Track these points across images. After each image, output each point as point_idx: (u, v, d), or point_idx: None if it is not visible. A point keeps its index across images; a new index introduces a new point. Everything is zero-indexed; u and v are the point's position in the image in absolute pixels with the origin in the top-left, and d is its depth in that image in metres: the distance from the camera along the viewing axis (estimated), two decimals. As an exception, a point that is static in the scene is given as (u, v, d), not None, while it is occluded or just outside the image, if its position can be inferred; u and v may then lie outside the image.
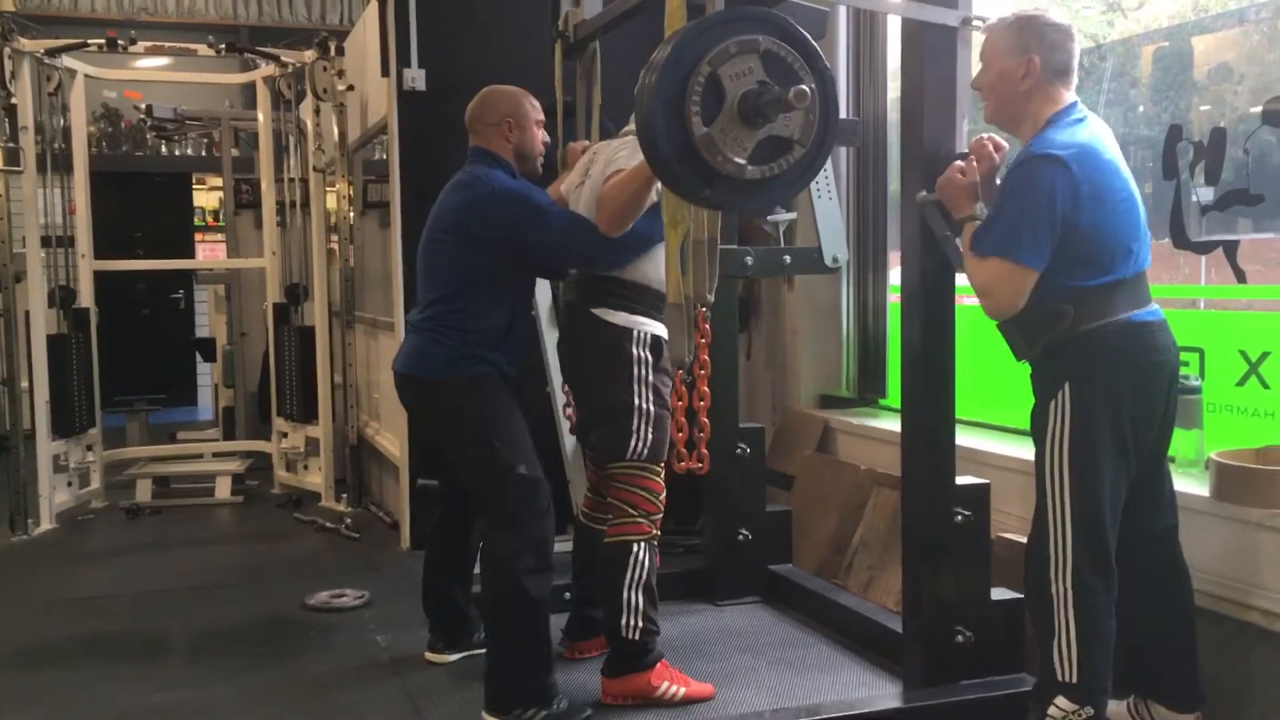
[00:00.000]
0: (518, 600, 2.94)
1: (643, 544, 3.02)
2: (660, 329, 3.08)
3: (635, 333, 3.06)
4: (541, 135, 3.28)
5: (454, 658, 3.46)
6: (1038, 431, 2.67)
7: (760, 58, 2.29)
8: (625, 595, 2.99)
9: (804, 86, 2.25)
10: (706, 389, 3.02)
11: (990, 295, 2.62)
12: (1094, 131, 2.64)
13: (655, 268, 3.08)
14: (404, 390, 3.22)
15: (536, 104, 3.29)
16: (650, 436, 3.05)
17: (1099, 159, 2.58)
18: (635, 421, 3.03)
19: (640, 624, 2.99)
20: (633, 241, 3.02)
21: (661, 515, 3.08)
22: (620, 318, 3.07)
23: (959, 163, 2.75)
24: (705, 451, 3.01)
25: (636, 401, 3.03)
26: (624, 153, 3.00)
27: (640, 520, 3.03)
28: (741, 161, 2.30)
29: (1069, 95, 2.68)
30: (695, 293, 2.77)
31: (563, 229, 3.02)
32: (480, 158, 3.20)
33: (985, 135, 2.80)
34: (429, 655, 3.51)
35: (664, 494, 3.09)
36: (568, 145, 3.48)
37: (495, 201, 3.07)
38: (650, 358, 3.07)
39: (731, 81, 2.27)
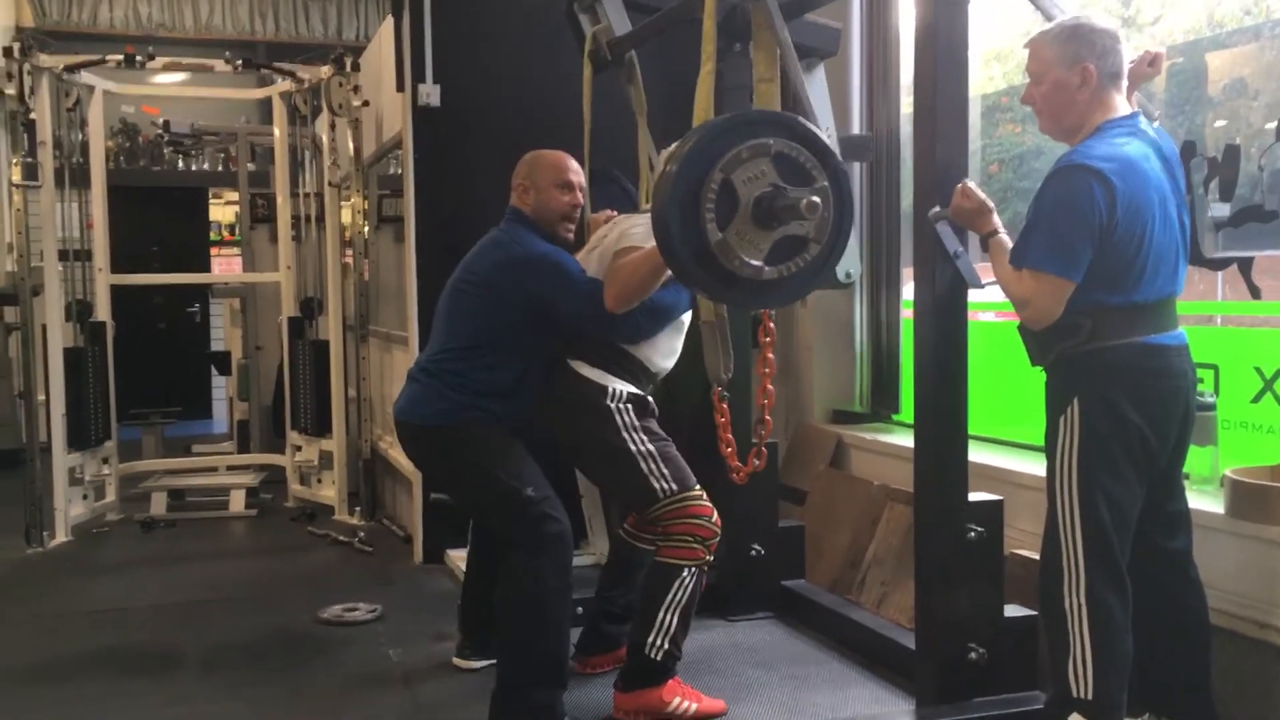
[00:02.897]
0: (541, 620, 2.95)
1: (694, 569, 3.00)
2: (634, 388, 3.10)
3: (610, 389, 3.07)
4: (569, 199, 3.24)
5: (480, 665, 3.47)
6: (1049, 446, 2.67)
7: (772, 160, 2.33)
8: (661, 615, 2.98)
9: (815, 198, 2.30)
10: (772, 387, 3.00)
11: (1028, 306, 2.60)
12: (1143, 149, 2.59)
13: (649, 343, 3.11)
14: (402, 436, 3.27)
15: (565, 167, 3.25)
16: (668, 470, 3.04)
17: (1142, 176, 2.54)
18: (645, 466, 3.03)
19: (666, 646, 2.98)
20: (658, 314, 3.07)
21: (718, 539, 3.05)
22: (596, 374, 3.09)
23: (958, 187, 2.74)
24: (765, 450, 2.98)
25: (634, 449, 3.03)
26: (639, 230, 3.03)
27: (696, 547, 3.01)
28: (758, 264, 2.35)
29: (1121, 100, 2.65)
30: None
31: (592, 299, 3.01)
32: (514, 217, 3.25)
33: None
34: (456, 660, 3.54)
35: (715, 515, 3.05)
36: (590, 217, 3.48)
37: (528, 265, 3.09)
38: (630, 408, 3.07)
39: (745, 186, 2.32)
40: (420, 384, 3.18)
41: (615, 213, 3.46)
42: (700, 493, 3.06)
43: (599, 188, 3.58)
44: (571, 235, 3.31)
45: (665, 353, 3.20)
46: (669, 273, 2.69)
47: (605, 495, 4.17)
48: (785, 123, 2.41)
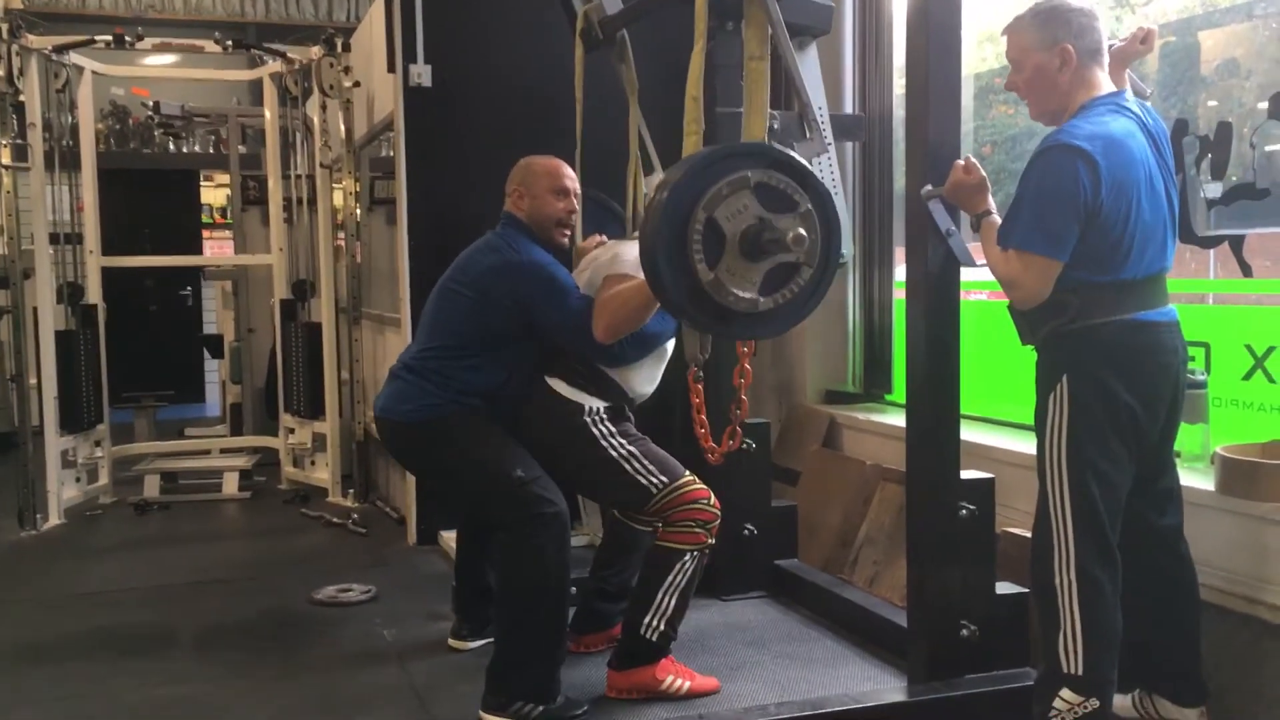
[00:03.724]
0: (539, 598, 2.95)
1: (695, 553, 3.00)
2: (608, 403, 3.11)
3: (586, 406, 3.07)
4: (564, 204, 3.25)
5: (476, 645, 3.48)
6: (1039, 424, 2.68)
7: (753, 192, 2.33)
8: (659, 596, 2.98)
9: (801, 230, 2.31)
10: (749, 367, 3.00)
11: (1016, 287, 2.61)
12: (1128, 125, 2.59)
13: (630, 369, 3.12)
14: (385, 434, 3.26)
15: (560, 174, 3.26)
16: (653, 466, 3.04)
17: (1127, 153, 2.54)
18: (630, 468, 3.03)
19: (662, 627, 2.99)
20: (643, 341, 3.07)
21: (718, 521, 3.05)
22: (572, 393, 3.08)
23: (960, 162, 2.74)
24: (740, 429, 2.99)
25: (615, 454, 3.03)
26: (630, 256, 3.01)
27: (699, 531, 3.01)
28: (752, 296, 2.36)
29: (1104, 77, 2.65)
30: None
31: (580, 316, 3.01)
32: (509, 222, 3.25)
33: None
34: (452, 641, 3.55)
35: (712, 497, 3.04)
36: (579, 245, 3.46)
37: (521, 271, 3.09)
38: (605, 417, 3.08)
39: (729, 222, 2.33)
40: (403, 381, 3.18)
41: (604, 238, 3.45)
42: (692, 478, 3.06)
43: (583, 210, 3.57)
44: (567, 241, 3.31)
45: (645, 379, 3.20)
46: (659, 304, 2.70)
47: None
48: (761, 151, 2.43)
